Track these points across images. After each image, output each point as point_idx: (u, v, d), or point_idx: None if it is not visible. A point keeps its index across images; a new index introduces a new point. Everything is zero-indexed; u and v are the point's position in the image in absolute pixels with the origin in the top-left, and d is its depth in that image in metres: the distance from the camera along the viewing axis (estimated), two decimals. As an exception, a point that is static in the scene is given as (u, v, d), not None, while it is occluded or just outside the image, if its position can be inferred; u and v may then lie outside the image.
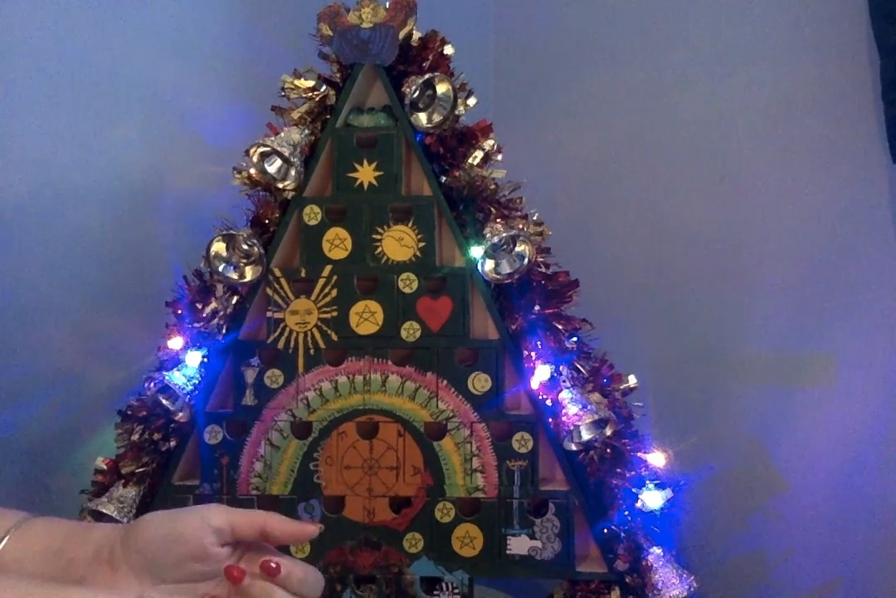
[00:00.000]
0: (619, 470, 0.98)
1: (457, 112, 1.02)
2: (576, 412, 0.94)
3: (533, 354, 1.00)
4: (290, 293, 1.03)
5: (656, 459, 1.01)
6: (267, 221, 1.04)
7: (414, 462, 1.00)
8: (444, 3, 1.29)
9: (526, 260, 0.98)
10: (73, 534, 0.57)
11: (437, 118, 1.02)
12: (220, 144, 1.27)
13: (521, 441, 0.99)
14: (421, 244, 1.02)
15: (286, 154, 0.99)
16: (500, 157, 1.06)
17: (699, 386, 1.32)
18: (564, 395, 0.97)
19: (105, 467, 1.04)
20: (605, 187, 1.45)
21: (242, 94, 1.36)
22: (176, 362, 1.01)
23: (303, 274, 1.03)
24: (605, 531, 0.97)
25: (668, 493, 0.98)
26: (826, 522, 1.20)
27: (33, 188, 1.19)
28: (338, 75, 1.05)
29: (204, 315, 1.03)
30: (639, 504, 0.97)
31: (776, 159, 1.25)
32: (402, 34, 1.02)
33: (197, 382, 1.00)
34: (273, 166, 1.03)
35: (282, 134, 1.02)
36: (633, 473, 0.98)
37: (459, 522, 0.99)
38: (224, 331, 1.03)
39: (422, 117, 1.03)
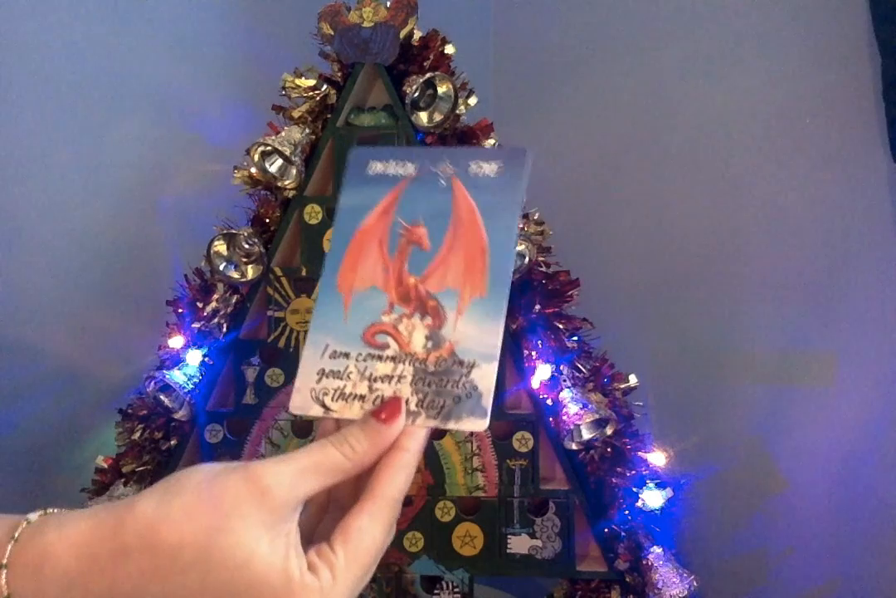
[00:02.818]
0: (619, 469, 0.98)
1: (457, 111, 1.02)
2: (576, 412, 0.94)
3: (534, 353, 1.00)
4: (290, 292, 1.03)
5: (657, 458, 1.01)
6: (268, 220, 1.04)
7: (414, 461, 0.99)
8: (444, 2, 1.29)
9: (526, 259, 0.98)
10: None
11: (437, 117, 1.02)
12: (221, 143, 1.27)
13: (522, 440, 0.99)
14: (421, 243, 1.01)
15: (287, 153, 1.00)
16: (500, 156, 1.06)
17: (699, 386, 1.32)
18: (565, 394, 0.97)
19: (105, 465, 1.04)
20: (605, 187, 1.45)
21: (243, 93, 1.37)
22: (177, 360, 1.02)
23: (303, 273, 1.03)
24: (606, 530, 0.97)
25: (668, 492, 0.98)
26: (826, 522, 1.20)
27: (34, 188, 1.19)
28: (339, 74, 1.05)
29: (205, 314, 1.03)
30: (639, 503, 0.97)
31: (776, 159, 1.25)
32: (402, 33, 1.02)
33: (197, 380, 1.00)
34: (274, 165, 1.04)
35: (283, 133, 1.02)
36: (633, 472, 0.98)
37: (460, 521, 0.99)
38: (225, 330, 1.03)
39: (423, 116, 1.03)
